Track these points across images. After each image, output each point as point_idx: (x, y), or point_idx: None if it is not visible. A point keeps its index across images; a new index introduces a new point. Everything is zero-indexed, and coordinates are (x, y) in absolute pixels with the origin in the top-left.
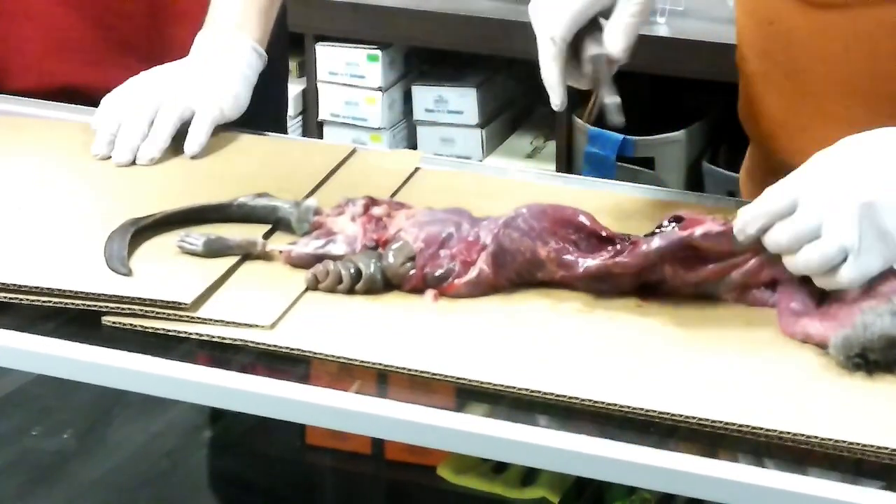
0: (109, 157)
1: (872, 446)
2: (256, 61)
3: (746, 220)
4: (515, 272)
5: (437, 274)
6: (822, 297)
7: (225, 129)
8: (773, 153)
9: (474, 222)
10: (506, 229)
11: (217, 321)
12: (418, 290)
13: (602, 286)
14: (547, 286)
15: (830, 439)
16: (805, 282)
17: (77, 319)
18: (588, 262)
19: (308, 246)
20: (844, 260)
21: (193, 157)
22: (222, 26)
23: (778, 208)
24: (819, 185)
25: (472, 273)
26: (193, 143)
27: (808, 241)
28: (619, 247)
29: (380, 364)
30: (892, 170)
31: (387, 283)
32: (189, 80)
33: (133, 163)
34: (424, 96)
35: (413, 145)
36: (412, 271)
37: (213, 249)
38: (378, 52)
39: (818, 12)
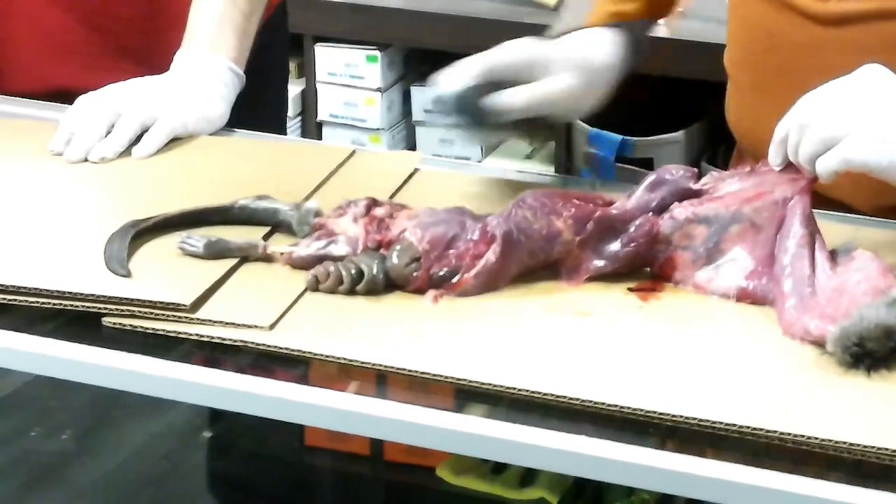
0: (62, 154)
1: (872, 447)
2: (232, 80)
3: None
4: (528, 253)
5: (442, 273)
6: (821, 296)
7: (224, 132)
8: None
9: (477, 220)
10: (518, 209)
11: (216, 322)
12: (421, 290)
13: (620, 249)
14: (549, 280)
15: (830, 440)
16: (805, 280)
17: (76, 320)
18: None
19: (309, 247)
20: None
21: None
22: (198, 46)
23: (783, 133)
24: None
25: (480, 263)
26: (143, 147)
27: (822, 120)
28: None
29: (379, 365)
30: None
31: (388, 284)
32: (159, 92)
33: (84, 161)
34: (423, 97)
35: (412, 146)
36: (416, 272)
37: (214, 251)
38: (377, 53)
39: (821, 27)
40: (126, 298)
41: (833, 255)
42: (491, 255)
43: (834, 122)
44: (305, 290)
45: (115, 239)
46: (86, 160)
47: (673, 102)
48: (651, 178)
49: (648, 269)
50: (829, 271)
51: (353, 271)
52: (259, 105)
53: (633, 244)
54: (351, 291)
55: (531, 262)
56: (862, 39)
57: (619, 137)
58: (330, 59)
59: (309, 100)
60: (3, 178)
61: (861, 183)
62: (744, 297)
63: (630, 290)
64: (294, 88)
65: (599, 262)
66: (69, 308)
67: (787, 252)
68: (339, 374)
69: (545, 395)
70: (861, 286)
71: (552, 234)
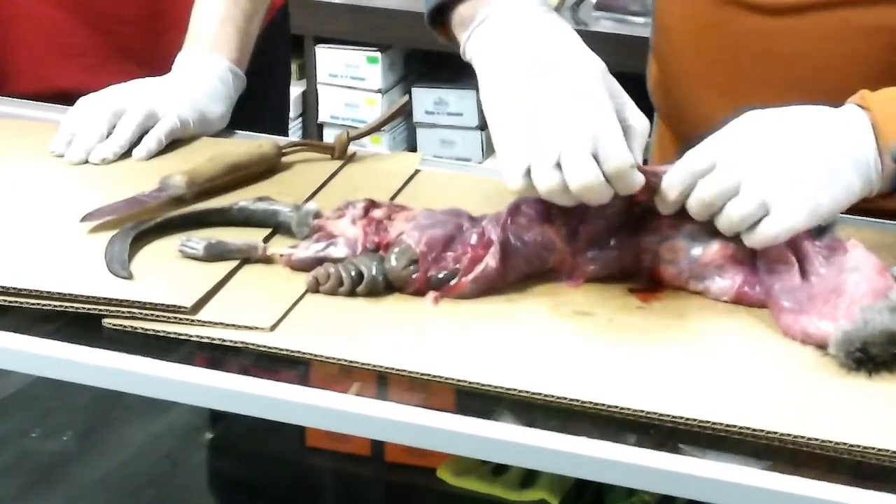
0: (63, 156)
1: (873, 448)
2: (234, 81)
3: (670, 183)
4: (524, 260)
5: (440, 276)
6: (818, 298)
7: (226, 133)
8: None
9: (474, 222)
10: (513, 217)
11: (217, 323)
12: (419, 292)
13: (609, 255)
14: (549, 281)
15: (830, 441)
16: (797, 288)
17: (77, 321)
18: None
19: (309, 249)
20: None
21: (140, 160)
22: (199, 47)
23: (699, 168)
24: (738, 144)
25: (479, 268)
26: (142, 148)
27: (729, 197)
28: None
29: (379, 366)
30: (809, 129)
31: (388, 286)
32: (159, 94)
33: (86, 162)
34: (424, 98)
35: (413, 147)
36: (415, 274)
37: (214, 253)
38: (378, 54)
39: (765, 17)
40: (127, 300)
41: (820, 234)
42: (490, 261)
43: (761, 186)
44: (306, 292)
45: (116, 240)
46: (87, 161)
47: None
48: None
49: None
50: (820, 273)
51: (352, 273)
52: (260, 106)
53: (619, 250)
54: (351, 293)
55: (528, 269)
56: (807, 28)
57: None
58: (331, 60)
59: (310, 101)
60: (5, 179)
61: None
62: (742, 300)
63: (630, 290)
64: (295, 90)
65: (595, 267)
66: (70, 309)
67: (774, 271)
68: (340, 375)
69: (545, 396)
70: (860, 287)
71: (546, 242)
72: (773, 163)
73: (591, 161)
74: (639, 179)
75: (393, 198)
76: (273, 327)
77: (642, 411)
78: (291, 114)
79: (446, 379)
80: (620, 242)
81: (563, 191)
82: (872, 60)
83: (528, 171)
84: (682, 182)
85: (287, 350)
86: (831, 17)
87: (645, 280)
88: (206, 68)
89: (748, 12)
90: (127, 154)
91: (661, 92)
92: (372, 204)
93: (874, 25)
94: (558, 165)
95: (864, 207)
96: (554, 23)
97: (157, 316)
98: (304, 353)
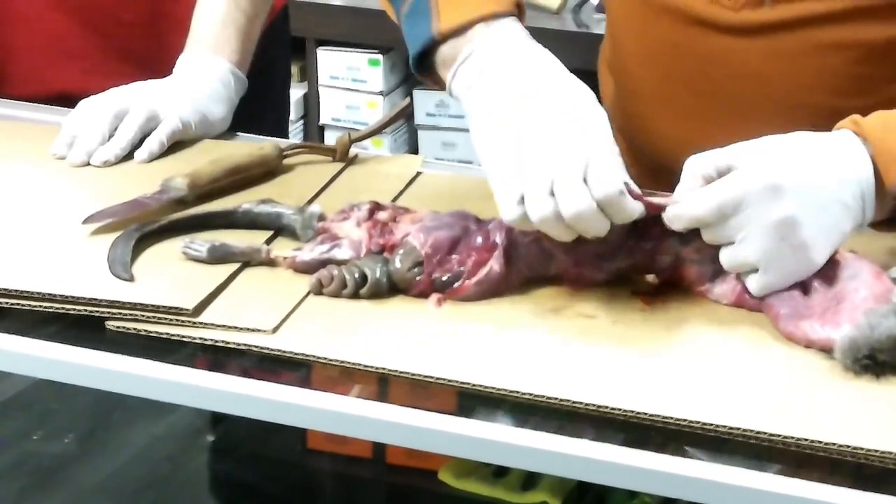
0: (64, 158)
1: (875, 451)
2: (235, 83)
3: (675, 215)
4: (527, 266)
5: (445, 278)
6: (818, 307)
7: (227, 135)
8: (664, 163)
9: (481, 224)
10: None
11: (219, 325)
12: (424, 294)
13: (611, 265)
14: (552, 284)
15: (833, 444)
16: (797, 297)
17: (78, 323)
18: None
19: (312, 251)
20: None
21: (142, 162)
22: (200, 49)
23: (703, 214)
24: (743, 195)
25: (483, 272)
26: (144, 150)
27: (726, 244)
28: None
29: (382, 368)
30: (815, 178)
31: (391, 288)
32: (161, 96)
33: (87, 164)
34: (426, 100)
35: (414, 149)
36: (419, 276)
37: (218, 256)
38: (379, 57)
39: (731, 38)
40: (129, 303)
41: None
42: (495, 265)
43: (748, 250)
44: (308, 294)
45: (119, 243)
46: (88, 164)
47: None
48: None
49: (653, 275)
50: (818, 283)
51: (356, 275)
52: (261, 108)
53: (627, 257)
54: (354, 295)
55: (531, 275)
56: (774, 47)
57: None
58: (332, 62)
59: (311, 103)
60: (6, 182)
61: None
62: (742, 304)
63: (634, 293)
64: (296, 92)
65: (599, 274)
66: (72, 311)
67: None
68: (342, 377)
69: (548, 398)
70: (860, 293)
71: (546, 251)
72: (773, 226)
73: (583, 187)
74: (632, 207)
75: (394, 200)
76: (275, 329)
77: (645, 414)
78: (293, 116)
79: (448, 381)
80: (628, 250)
81: (557, 220)
82: (839, 74)
83: (523, 199)
84: (683, 223)
85: (289, 352)
86: (798, 36)
87: (661, 278)
88: (207, 70)
89: (714, 33)
90: (129, 156)
91: (618, 107)
92: (377, 206)
93: (839, 41)
94: (553, 193)
95: None
96: (539, 52)
97: (159, 318)
98: (305, 356)
